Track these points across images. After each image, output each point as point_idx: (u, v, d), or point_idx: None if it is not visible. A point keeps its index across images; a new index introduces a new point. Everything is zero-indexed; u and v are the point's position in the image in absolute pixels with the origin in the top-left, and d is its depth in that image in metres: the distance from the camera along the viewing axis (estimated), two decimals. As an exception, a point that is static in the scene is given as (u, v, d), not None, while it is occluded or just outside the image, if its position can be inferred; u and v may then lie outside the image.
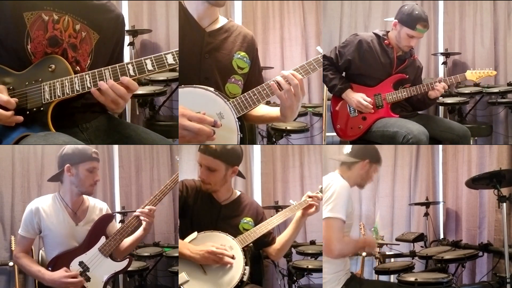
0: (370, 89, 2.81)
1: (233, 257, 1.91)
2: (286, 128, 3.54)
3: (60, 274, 1.96)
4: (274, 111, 2.02)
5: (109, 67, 1.68)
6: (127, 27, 2.88)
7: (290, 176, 3.76)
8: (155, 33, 3.86)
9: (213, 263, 1.90)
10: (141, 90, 3.42)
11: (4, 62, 1.71)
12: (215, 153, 1.98)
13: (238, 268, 1.91)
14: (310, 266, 3.02)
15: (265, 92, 1.83)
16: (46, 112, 1.69)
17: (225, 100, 1.81)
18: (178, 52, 1.70)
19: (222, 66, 1.95)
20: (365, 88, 2.82)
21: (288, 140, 3.82)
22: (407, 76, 2.82)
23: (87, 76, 1.69)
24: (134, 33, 3.70)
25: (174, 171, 2.15)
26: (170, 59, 1.70)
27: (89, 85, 1.68)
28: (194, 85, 1.82)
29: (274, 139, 3.59)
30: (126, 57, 2.02)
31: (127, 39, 3.58)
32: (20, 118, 1.67)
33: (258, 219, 2.13)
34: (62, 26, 1.74)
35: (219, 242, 1.95)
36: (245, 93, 1.84)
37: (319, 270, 2.95)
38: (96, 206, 2.15)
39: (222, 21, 2.01)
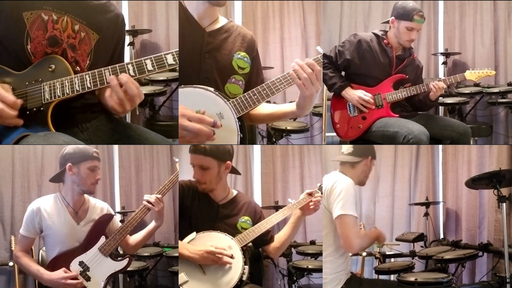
0: (370, 89, 2.81)
1: (232, 257, 1.91)
2: (286, 128, 3.54)
3: (59, 274, 1.97)
4: (287, 106, 2.02)
5: (109, 67, 1.68)
6: (127, 27, 2.88)
7: (290, 176, 3.76)
8: (155, 33, 3.86)
9: (212, 263, 1.90)
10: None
11: (4, 62, 1.71)
12: (205, 151, 1.99)
13: (237, 267, 1.91)
14: (310, 266, 3.02)
15: (265, 92, 1.83)
16: (46, 112, 1.69)
17: (225, 100, 1.81)
18: (178, 52, 1.70)
19: (222, 66, 1.94)
20: (365, 88, 2.82)
21: (288, 140, 3.81)
22: (407, 76, 2.83)
23: (87, 76, 1.68)
24: (134, 33, 3.71)
25: (174, 172, 2.15)
26: (170, 60, 1.70)
27: (89, 85, 1.68)
28: (194, 85, 1.81)
29: (274, 139, 3.59)
30: (126, 57, 2.02)
31: (127, 39, 3.58)
32: (20, 122, 1.67)
33: (256, 218, 2.13)
34: (61, 26, 1.74)
35: (218, 241, 1.95)
36: (245, 93, 1.84)
37: (319, 270, 2.95)
38: (97, 205, 2.16)
39: (222, 21, 2.00)
